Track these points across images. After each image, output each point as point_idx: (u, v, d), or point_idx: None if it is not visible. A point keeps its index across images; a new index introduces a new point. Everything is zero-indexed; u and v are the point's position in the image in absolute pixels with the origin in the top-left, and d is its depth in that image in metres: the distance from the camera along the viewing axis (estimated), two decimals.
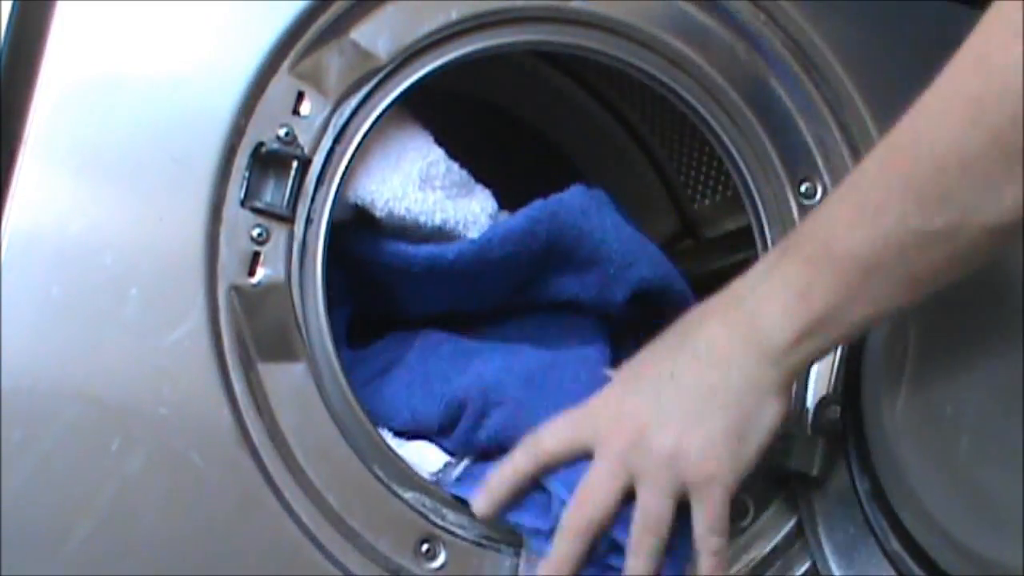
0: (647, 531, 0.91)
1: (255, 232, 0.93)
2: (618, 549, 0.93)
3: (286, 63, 0.94)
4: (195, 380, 0.90)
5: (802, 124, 1.07)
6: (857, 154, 1.05)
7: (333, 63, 0.96)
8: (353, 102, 0.96)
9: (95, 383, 0.88)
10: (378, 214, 1.02)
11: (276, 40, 0.93)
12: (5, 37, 0.90)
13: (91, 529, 0.87)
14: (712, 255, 1.31)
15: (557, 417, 0.95)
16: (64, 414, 0.87)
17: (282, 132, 0.94)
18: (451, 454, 1.05)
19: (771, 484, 1.03)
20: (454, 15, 0.99)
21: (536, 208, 1.07)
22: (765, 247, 1.05)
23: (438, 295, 1.10)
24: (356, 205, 1.02)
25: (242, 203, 0.92)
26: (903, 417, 0.96)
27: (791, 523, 1.02)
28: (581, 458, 0.93)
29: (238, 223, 0.92)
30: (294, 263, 0.94)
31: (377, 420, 1.02)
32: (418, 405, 1.06)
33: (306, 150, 0.95)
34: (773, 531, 1.03)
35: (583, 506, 0.91)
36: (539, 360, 1.06)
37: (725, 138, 1.07)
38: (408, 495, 0.95)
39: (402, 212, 1.03)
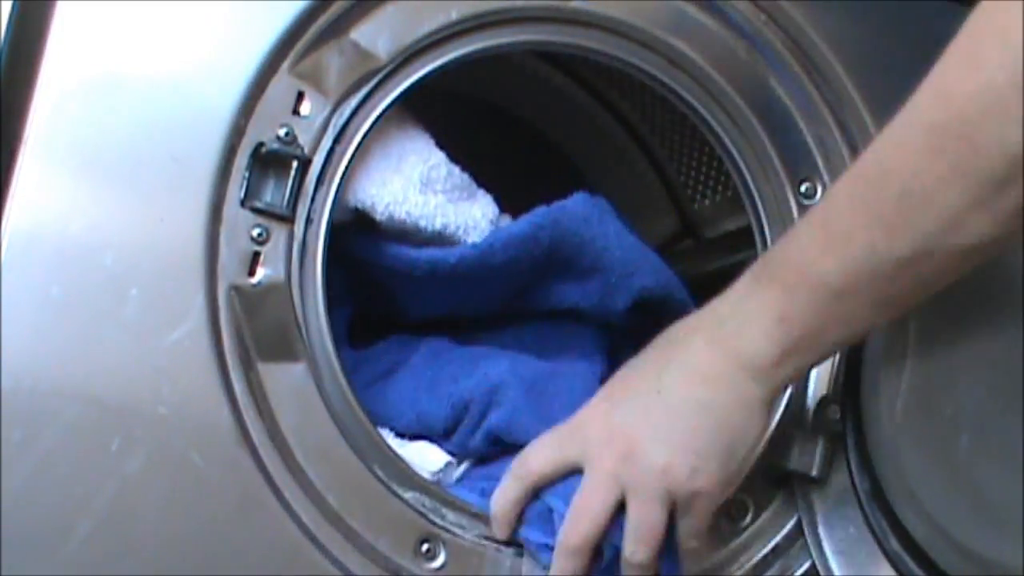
0: (640, 542, 0.92)
1: (255, 232, 0.93)
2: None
3: (286, 63, 0.94)
4: (195, 380, 0.90)
5: (802, 124, 1.07)
6: (857, 154, 1.05)
7: (333, 63, 0.96)
8: (353, 102, 0.96)
9: (95, 383, 0.88)
10: (378, 217, 1.02)
11: (276, 40, 0.93)
12: (5, 37, 0.90)
13: (91, 529, 0.87)
14: (712, 255, 1.31)
15: (543, 436, 0.96)
16: (64, 414, 0.87)
17: (282, 132, 0.94)
18: (452, 455, 1.05)
19: (771, 484, 1.03)
20: (454, 15, 0.99)
21: (539, 215, 1.07)
22: (765, 247, 1.05)
23: (439, 298, 1.10)
24: (356, 208, 1.02)
25: (242, 203, 0.92)
26: (903, 417, 0.96)
27: (791, 523, 1.03)
28: (571, 474, 0.93)
29: (238, 223, 0.92)
30: (294, 263, 0.94)
31: (379, 421, 1.03)
32: (424, 407, 1.06)
33: (306, 150, 0.95)
34: (773, 531, 1.03)
35: (579, 522, 0.92)
36: (542, 369, 1.06)
37: (725, 138, 1.07)
38: (408, 495, 0.95)
39: (403, 216, 1.03)
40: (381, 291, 1.10)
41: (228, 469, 0.90)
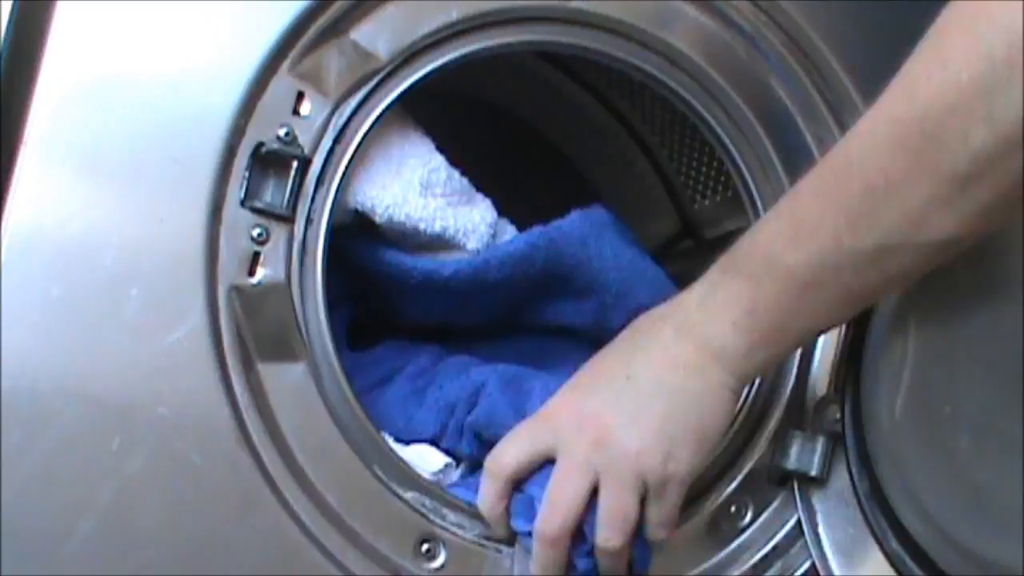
0: (612, 528, 0.92)
1: (255, 232, 0.93)
2: None
3: (286, 63, 0.94)
4: (195, 380, 0.90)
5: (802, 124, 1.07)
6: None
7: (333, 63, 0.96)
8: (353, 102, 0.96)
9: (95, 383, 0.88)
10: (378, 220, 1.02)
11: (276, 40, 0.93)
12: (5, 37, 0.90)
13: (91, 529, 0.87)
14: (712, 255, 1.30)
15: (514, 430, 0.96)
16: (64, 414, 0.87)
17: (282, 132, 0.94)
18: (450, 455, 1.05)
19: (771, 484, 1.03)
20: (454, 15, 0.99)
21: (535, 235, 1.08)
22: None
23: (434, 307, 1.10)
24: (356, 210, 1.02)
25: (242, 203, 0.92)
26: (903, 417, 0.96)
27: (791, 523, 1.03)
28: (549, 463, 0.93)
29: (238, 223, 0.92)
30: (294, 263, 0.94)
31: (376, 427, 1.03)
32: (413, 413, 1.06)
33: (306, 150, 0.95)
34: (773, 531, 1.03)
35: (554, 511, 0.92)
36: (524, 371, 1.06)
37: (725, 138, 1.07)
38: (408, 495, 0.95)
39: (402, 218, 1.03)
40: (379, 295, 1.10)
41: (228, 469, 0.90)
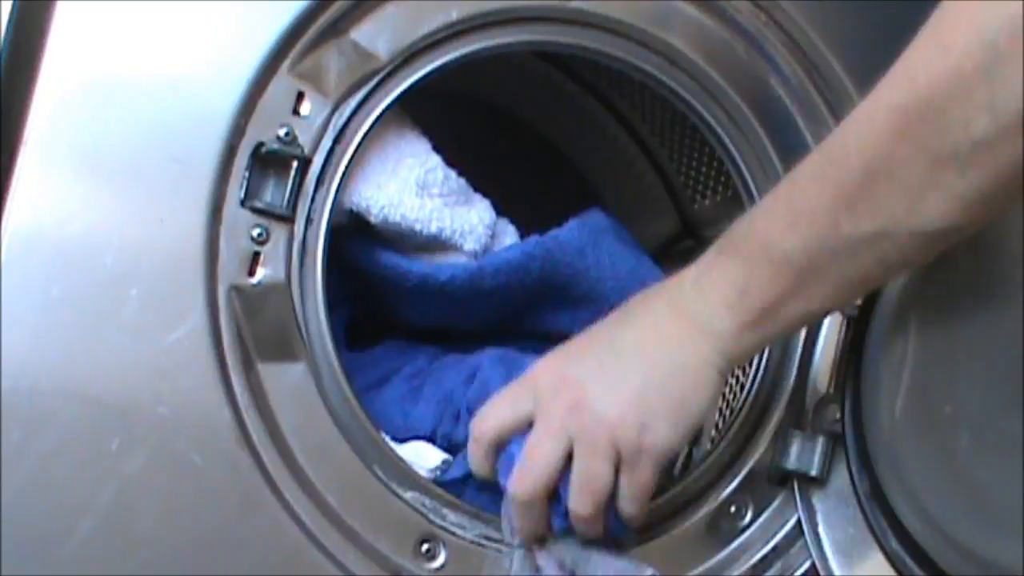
0: (584, 494, 0.91)
1: (255, 232, 0.93)
2: None
3: (286, 63, 0.94)
4: (195, 380, 0.90)
5: (802, 124, 1.07)
6: None
7: (333, 63, 0.96)
8: (353, 102, 0.96)
9: (95, 383, 0.88)
10: (373, 220, 1.02)
11: (276, 40, 0.93)
12: (5, 37, 0.90)
13: (91, 529, 0.87)
14: None
15: (498, 392, 0.95)
16: (64, 414, 0.87)
17: (282, 132, 0.94)
18: (447, 451, 1.05)
19: (771, 484, 1.03)
20: (454, 15, 0.99)
21: (531, 244, 1.08)
22: None
23: (431, 310, 1.10)
24: (352, 211, 1.02)
25: (242, 203, 0.92)
26: (903, 417, 0.96)
27: (791, 523, 1.03)
28: (531, 424, 0.93)
29: (238, 223, 0.92)
30: (294, 263, 0.94)
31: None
32: (411, 410, 1.07)
33: (306, 150, 0.95)
34: (773, 531, 1.03)
35: (526, 473, 0.92)
36: (521, 355, 1.06)
37: (725, 138, 1.07)
38: (408, 495, 0.95)
39: (397, 219, 1.03)
40: (378, 296, 1.10)
41: (228, 469, 0.90)
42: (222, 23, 0.92)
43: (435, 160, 1.04)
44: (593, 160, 1.37)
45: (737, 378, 1.17)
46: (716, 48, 1.06)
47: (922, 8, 1.07)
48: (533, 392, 0.93)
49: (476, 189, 1.10)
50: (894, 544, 0.97)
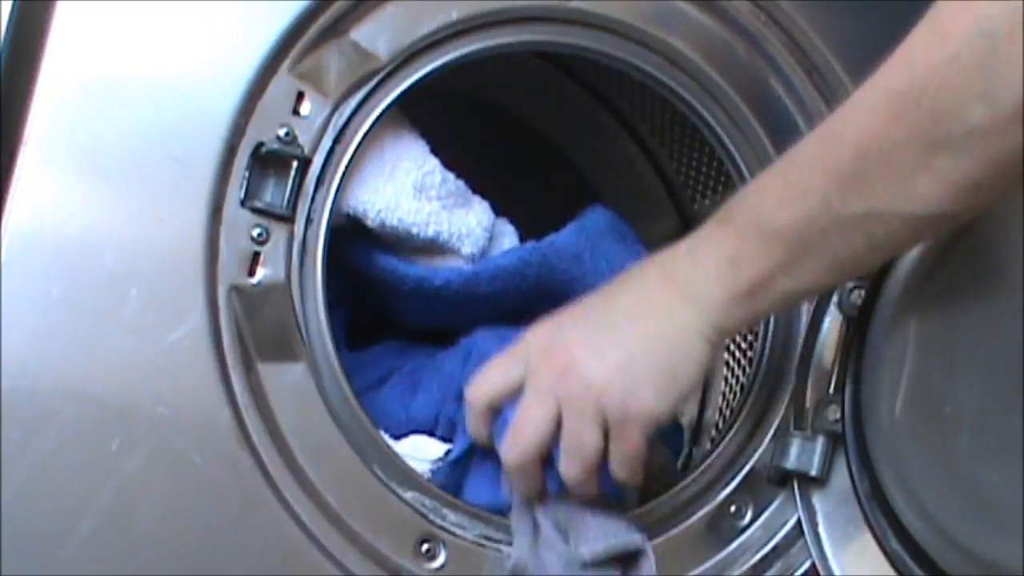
0: (573, 458, 0.92)
1: (255, 232, 0.93)
2: None
3: (286, 63, 0.94)
4: (195, 380, 0.90)
5: (802, 124, 1.07)
6: None
7: (333, 63, 0.96)
8: (353, 102, 0.96)
9: (95, 383, 0.88)
10: (370, 224, 1.02)
11: (276, 40, 0.93)
12: (5, 37, 0.90)
13: (91, 529, 0.87)
14: None
15: (491, 359, 0.97)
16: (64, 414, 0.87)
17: (282, 132, 0.94)
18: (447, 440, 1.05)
19: (771, 484, 1.03)
20: (454, 15, 0.99)
21: (527, 250, 1.08)
22: None
23: (427, 313, 1.10)
24: (349, 214, 1.02)
25: (242, 203, 0.92)
26: (903, 417, 0.96)
27: (791, 523, 1.03)
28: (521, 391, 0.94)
29: (238, 223, 0.92)
30: (294, 263, 0.94)
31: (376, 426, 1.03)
32: (410, 402, 1.07)
33: (306, 150, 0.95)
34: (773, 531, 1.03)
35: (516, 438, 0.93)
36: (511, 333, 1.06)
37: (725, 138, 1.07)
38: (408, 495, 0.95)
39: (394, 223, 1.03)
40: (376, 297, 1.10)
41: (228, 469, 0.90)
42: (222, 23, 0.92)
43: (433, 163, 1.04)
44: (593, 160, 1.36)
45: (737, 378, 1.17)
46: (716, 48, 1.06)
47: (921, 8, 1.07)
48: (524, 357, 0.94)
49: (475, 189, 1.10)
50: (894, 544, 0.97)
